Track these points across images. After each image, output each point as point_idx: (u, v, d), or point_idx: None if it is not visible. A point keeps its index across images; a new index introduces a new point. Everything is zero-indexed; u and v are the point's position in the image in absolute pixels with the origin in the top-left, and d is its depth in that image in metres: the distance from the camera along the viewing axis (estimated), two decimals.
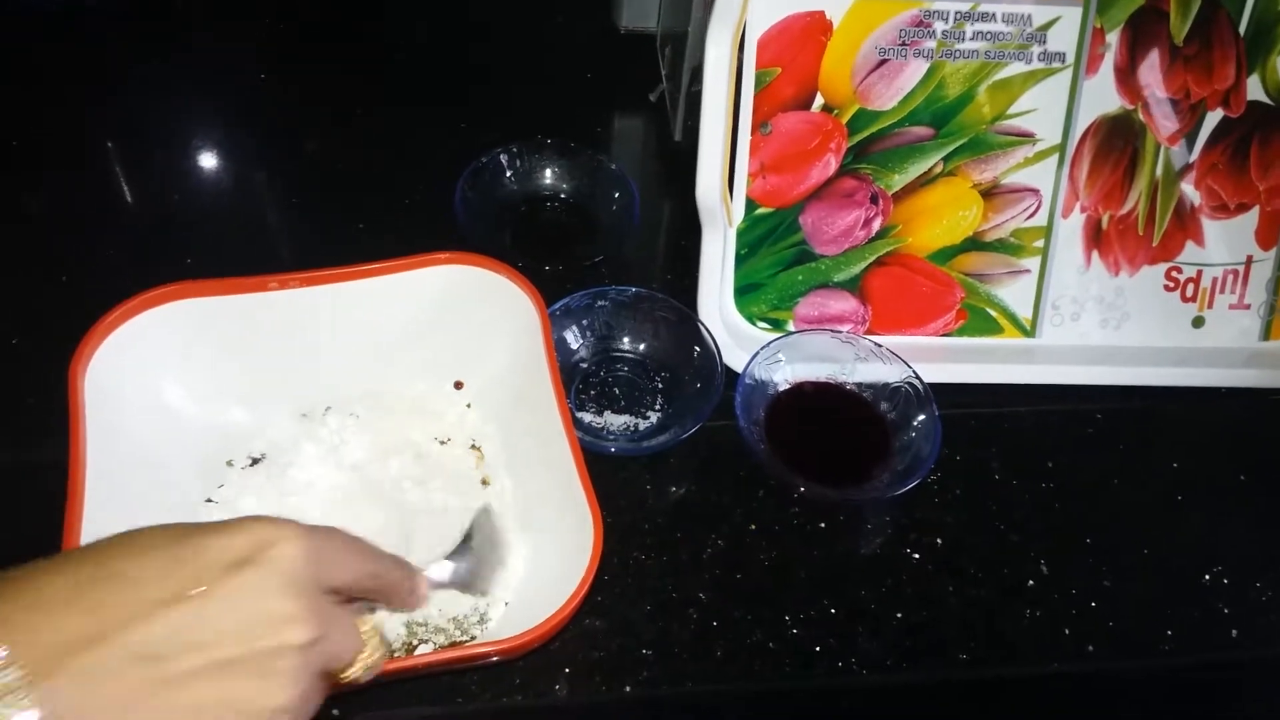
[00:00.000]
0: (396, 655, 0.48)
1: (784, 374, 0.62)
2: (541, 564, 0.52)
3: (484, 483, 0.56)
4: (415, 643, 0.50)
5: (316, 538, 0.36)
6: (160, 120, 0.75)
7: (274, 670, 0.34)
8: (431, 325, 0.57)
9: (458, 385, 0.59)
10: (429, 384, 0.58)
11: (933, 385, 0.59)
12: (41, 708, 0.30)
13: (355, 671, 0.38)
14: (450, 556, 0.47)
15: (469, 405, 0.58)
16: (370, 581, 0.39)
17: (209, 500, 0.53)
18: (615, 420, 0.60)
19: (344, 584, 0.37)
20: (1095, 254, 0.65)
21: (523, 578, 0.52)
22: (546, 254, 0.66)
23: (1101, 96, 0.63)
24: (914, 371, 0.60)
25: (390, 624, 0.49)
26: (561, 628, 0.46)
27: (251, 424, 0.56)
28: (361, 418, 0.57)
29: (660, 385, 0.62)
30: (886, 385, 0.61)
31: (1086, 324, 0.66)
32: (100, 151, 0.73)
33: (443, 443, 0.57)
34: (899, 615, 0.55)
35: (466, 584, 0.47)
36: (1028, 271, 0.65)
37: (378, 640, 0.39)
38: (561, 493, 0.49)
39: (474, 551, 0.48)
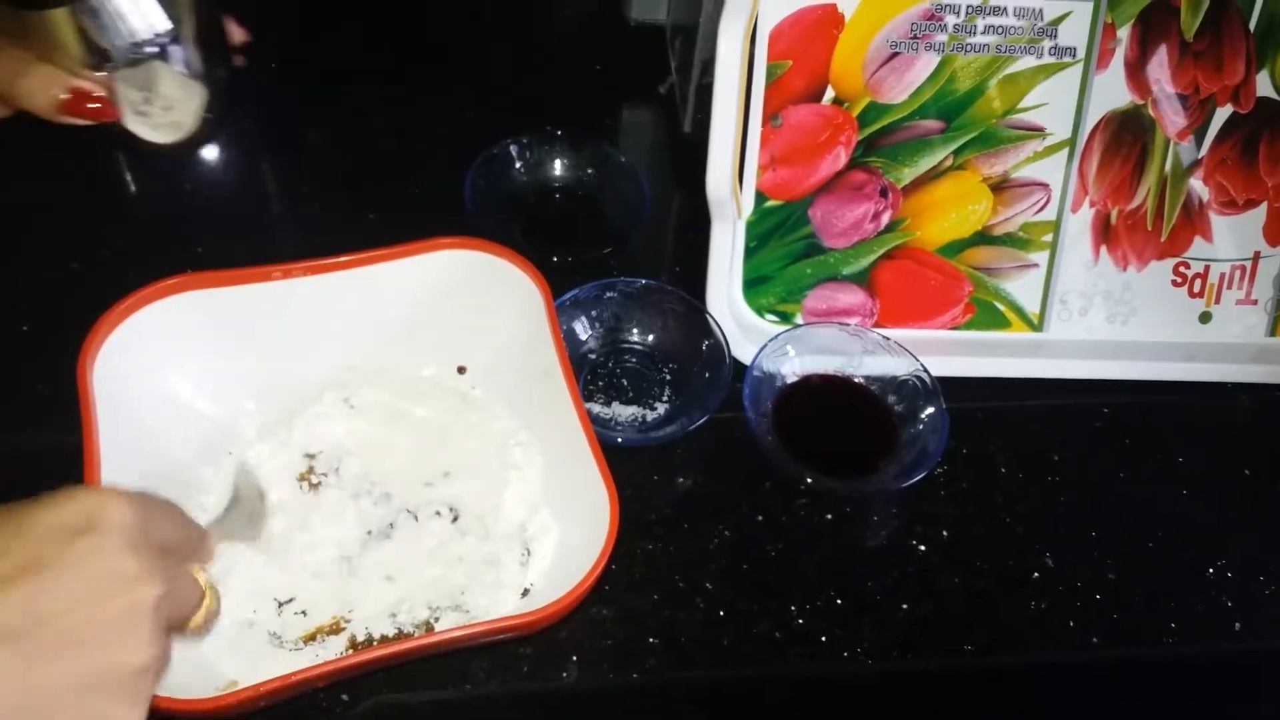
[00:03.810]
0: (416, 634, 0.49)
1: (792, 366, 0.62)
2: (558, 543, 0.52)
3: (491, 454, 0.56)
4: (434, 620, 0.50)
5: (142, 500, 0.37)
6: None
7: (132, 630, 0.34)
8: (436, 310, 0.57)
9: (461, 370, 0.59)
10: (434, 369, 0.59)
11: (940, 379, 0.60)
12: None
13: (199, 619, 0.40)
14: (223, 516, 0.48)
15: (474, 388, 0.59)
16: (184, 538, 0.40)
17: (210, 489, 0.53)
18: (623, 411, 0.61)
19: (168, 541, 0.38)
20: (1103, 249, 0.65)
21: (539, 557, 0.53)
22: (555, 245, 0.66)
23: (1111, 91, 0.63)
24: (921, 365, 0.60)
25: (411, 604, 0.50)
26: (580, 600, 0.46)
27: (257, 412, 0.56)
28: (367, 403, 0.57)
29: (668, 377, 0.63)
30: (894, 378, 0.61)
31: (1094, 319, 0.66)
32: (109, 139, 0.73)
33: (448, 428, 0.57)
34: (904, 606, 0.55)
35: (245, 535, 0.49)
36: (1036, 266, 0.65)
37: (212, 589, 0.41)
38: (574, 470, 0.50)
39: (242, 505, 0.49)
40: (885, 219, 0.64)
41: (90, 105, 0.54)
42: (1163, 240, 0.66)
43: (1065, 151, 0.64)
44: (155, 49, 0.54)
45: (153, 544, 0.36)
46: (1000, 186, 0.64)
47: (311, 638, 0.49)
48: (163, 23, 0.54)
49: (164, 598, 0.35)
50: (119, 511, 0.35)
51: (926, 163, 0.63)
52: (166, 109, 0.58)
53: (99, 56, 0.53)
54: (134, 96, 0.56)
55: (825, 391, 0.62)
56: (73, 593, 0.33)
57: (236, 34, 0.61)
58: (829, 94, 0.62)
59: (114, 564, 0.34)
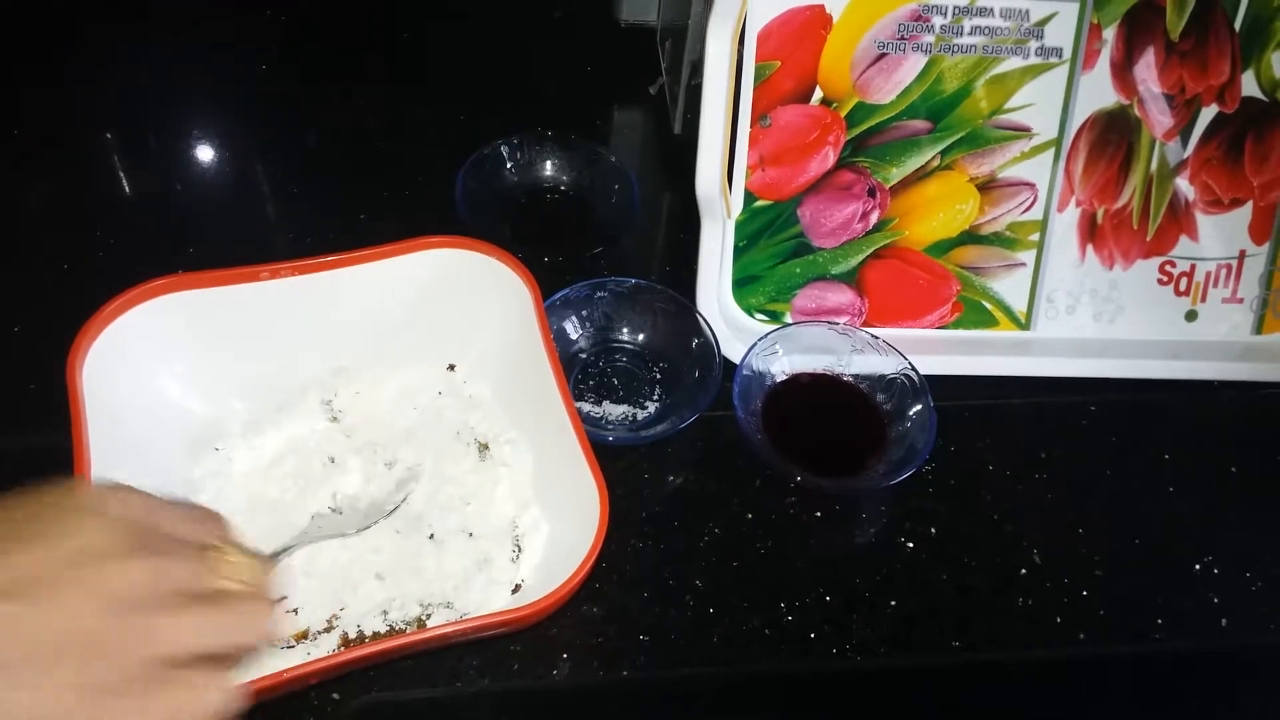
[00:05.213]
0: (409, 631, 0.49)
1: (781, 365, 0.62)
2: (548, 539, 0.53)
3: (482, 452, 0.56)
4: (425, 618, 0.50)
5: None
6: (162, 110, 0.75)
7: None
8: (426, 309, 0.57)
9: (450, 368, 0.59)
10: (424, 368, 0.59)
11: (928, 377, 0.60)
12: None
13: (234, 585, 0.37)
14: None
15: (464, 383, 0.59)
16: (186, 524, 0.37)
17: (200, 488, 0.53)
18: (614, 410, 0.61)
19: (167, 525, 0.36)
20: (1090, 248, 0.66)
21: (530, 554, 0.53)
22: (546, 245, 0.66)
23: (1098, 91, 0.63)
24: (910, 363, 0.60)
25: (402, 601, 0.51)
26: (571, 596, 0.46)
27: (245, 411, 0.56)
28: (355, 402, 0.57)
29: (659, 376, 0.63)
30: (883, 377, 0.61)
31: (1081, 317, 0.66)
32: (102, 141, 0.73)
33: (438, 426, 0.57)
34: (893, 603, 0.55)
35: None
36: (1023, 265, 0.65)
37: (247, 561, 0.38)
38: (565, 468, 0.50)
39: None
40: (873, 218, 0.64)
41: None
42: (1149, 239, 0.66)
43: (1052, 151, 0.64)
44: None
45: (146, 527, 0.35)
46: (987, 186, 0.64)
47: (303, 636, 0.49)
48: None
49: (156, 574, 0.34)
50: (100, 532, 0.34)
51: (914, 162, 0.63)
52: None
53: None
54: None
55: (814, 390, 0.62)
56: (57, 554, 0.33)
57: None
58: (817, 94, 0.62)
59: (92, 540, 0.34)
